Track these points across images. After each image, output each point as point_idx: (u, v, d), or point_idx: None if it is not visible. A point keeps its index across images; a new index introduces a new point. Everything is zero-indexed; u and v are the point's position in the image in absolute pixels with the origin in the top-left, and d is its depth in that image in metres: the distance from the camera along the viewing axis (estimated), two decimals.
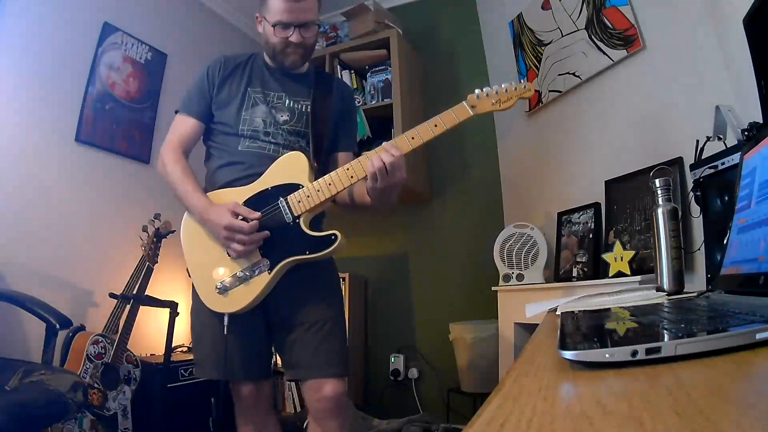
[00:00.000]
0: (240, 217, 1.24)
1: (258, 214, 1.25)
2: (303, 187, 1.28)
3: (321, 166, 1.39)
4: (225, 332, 1.28)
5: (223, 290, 1.28)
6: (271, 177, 1.31)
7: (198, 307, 1.36)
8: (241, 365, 1.34)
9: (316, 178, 1.29)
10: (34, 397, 1.24)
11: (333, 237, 1.26)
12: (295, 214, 1.27)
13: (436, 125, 1.23)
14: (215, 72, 1.40)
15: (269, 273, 1.27)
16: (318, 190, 1.27)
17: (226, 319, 1.28)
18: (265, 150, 1.36)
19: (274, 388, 2.54)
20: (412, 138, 1.23)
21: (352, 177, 1.26)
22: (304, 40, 1.33)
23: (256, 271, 1.27)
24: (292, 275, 1.30)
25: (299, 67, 1.42)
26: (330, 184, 1.27)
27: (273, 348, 1.45)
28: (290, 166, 1.31)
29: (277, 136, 1.37)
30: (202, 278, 1.32)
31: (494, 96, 1.24)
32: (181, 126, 1.40)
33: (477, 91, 1.24)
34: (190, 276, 1.35)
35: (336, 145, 1.47)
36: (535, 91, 2.42)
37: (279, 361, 2.40)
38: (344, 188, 1.27)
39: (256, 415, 1.41)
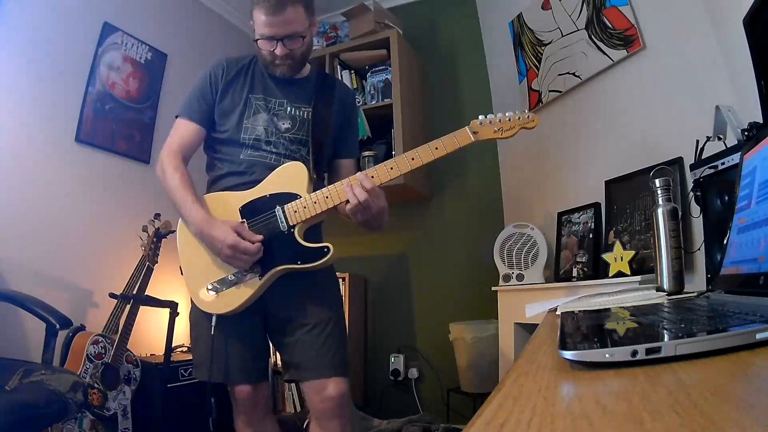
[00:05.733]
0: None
1: (260, 237, 1.26)
2: (300, 197, 1.28)
3: (321, 175, 1.39)
4: (212, 332, 1.29)
5: (214, 291, 1.29)
6: (271, 185, 1.31)
7: (195, 309, 1.36)
8: (238, 367, 1.34)
9: (315, 189, 1.29)
10: (34, 397, 1.24)
11: (326, 249, 1.27)
12: (291, 224, 1.28)
13: (437, 148, 1.25)
14: (218, 76, 1.38)
15: (260, 279, 1.27)
16: (315, 202, 1.27)
17: (213, 319, 1.29)
18: (267, 159, 1.35)
19: (272, 390, 2.54)
20: (412, 159, 1.25)
21: (342, 197, 1.27)
22: (290, 51, 1.31)
23: (247, 276, 1.28)
24: (291, 277, 1.30)
25: (290, 76, 1.38)
26: (327, 197, 1.27)
27: (272, 349, 1.45)
28: (290, 176, 1.32)
29: (279, 145, 1.36)
30: (193, 278, 1.33)
31: (497, 124, 1.27)
32: (182, 131, 1.37)
33: (480, 117, 1.27)
34: (182, 275, 1.35)
35: (338, 152, 1.47)
36: (535, 91, 2.42)
37: (278, 362, 2.41)
38: (341, 203, 1.27)
39: (255, 416, 1.40)
